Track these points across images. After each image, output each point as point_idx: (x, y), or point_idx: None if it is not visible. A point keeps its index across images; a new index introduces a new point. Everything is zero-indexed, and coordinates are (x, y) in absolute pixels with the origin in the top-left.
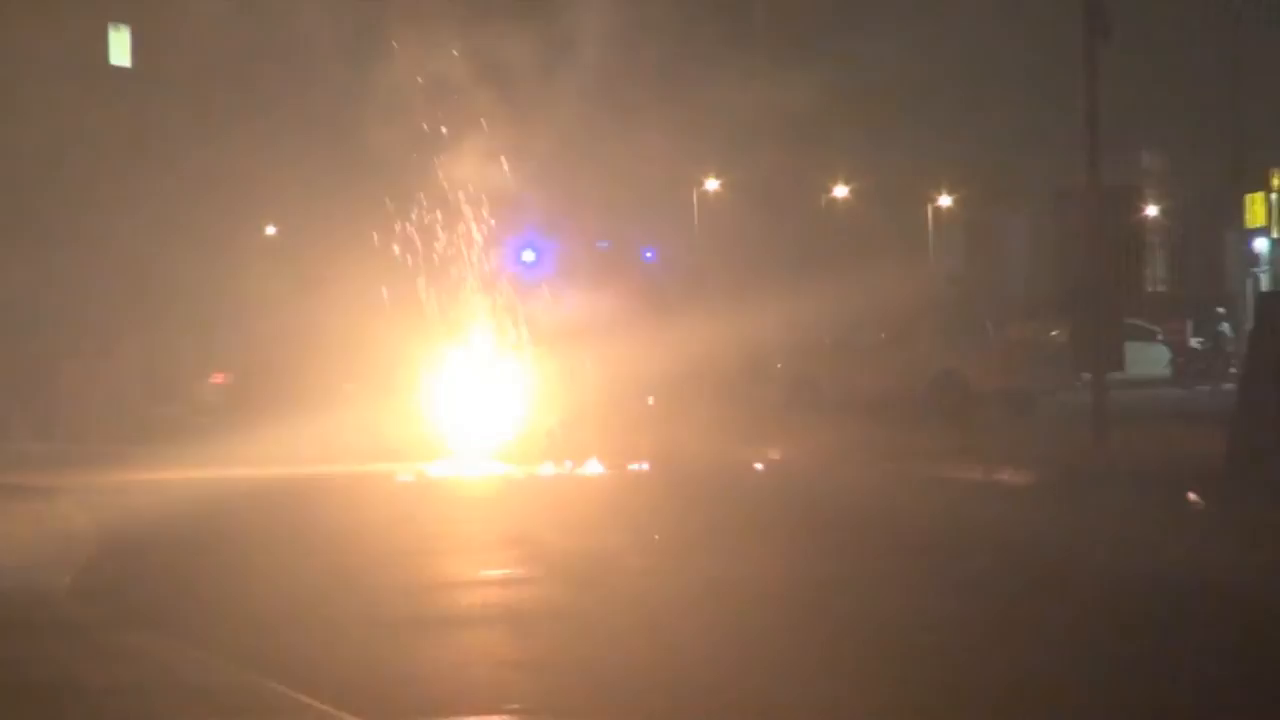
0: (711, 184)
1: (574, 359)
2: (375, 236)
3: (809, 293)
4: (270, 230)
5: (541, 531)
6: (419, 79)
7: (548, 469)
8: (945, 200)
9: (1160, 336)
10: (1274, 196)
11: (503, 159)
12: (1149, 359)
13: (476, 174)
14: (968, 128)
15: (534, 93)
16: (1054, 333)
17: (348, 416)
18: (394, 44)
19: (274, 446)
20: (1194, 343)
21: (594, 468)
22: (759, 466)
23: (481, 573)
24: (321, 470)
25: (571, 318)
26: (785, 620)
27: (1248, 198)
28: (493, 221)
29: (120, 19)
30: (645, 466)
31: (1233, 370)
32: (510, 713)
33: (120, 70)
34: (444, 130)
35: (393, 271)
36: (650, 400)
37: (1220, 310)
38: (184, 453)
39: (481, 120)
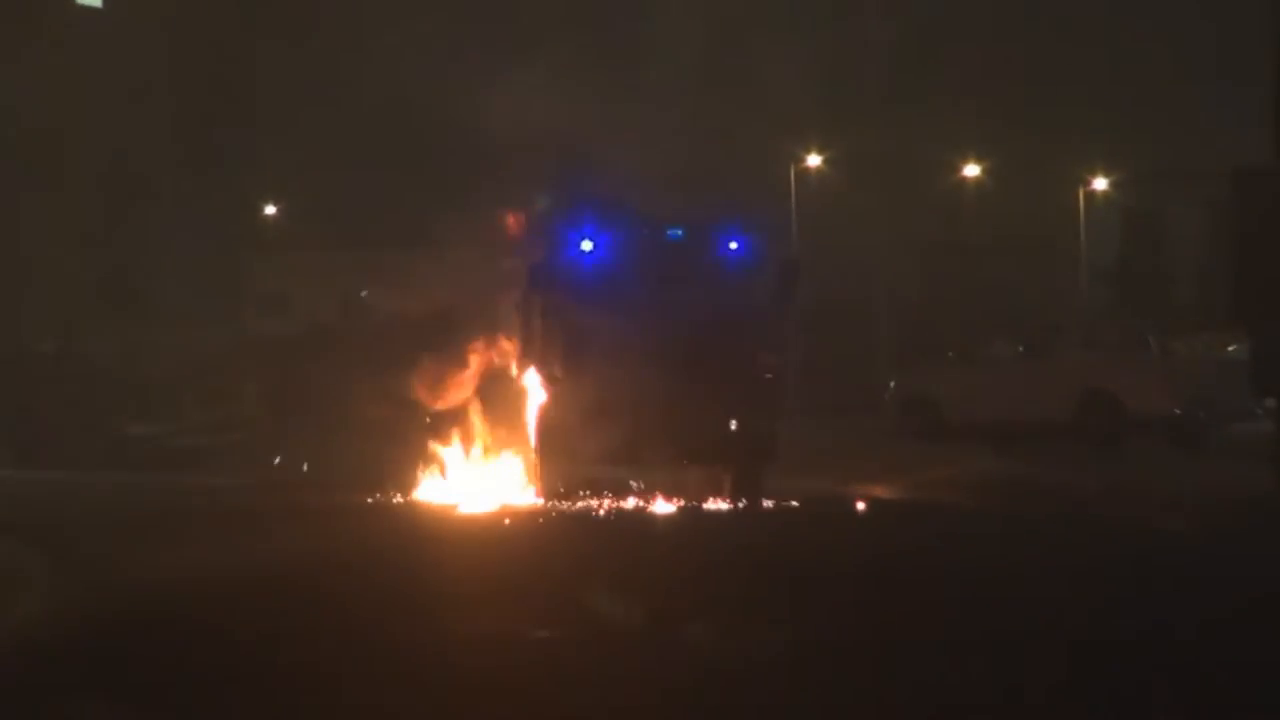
0: (813, 160)
1: (642, 371)
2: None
3: (927, 294)
4: (269, 210)
5: (591, 582)
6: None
7: (605, 506)
8: (1100, 183)
9: None
10: None
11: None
12: None
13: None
14: (1128, 96)
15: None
16: (1232, 347)
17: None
18: None
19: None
20: None
21: (662, 506)
22: (861, 505)
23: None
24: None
25: (633, 320)
26: None
27: None
28: (543, 201)
29: None
30: (723, 506)
31: None
32: None
33: (89, 11)
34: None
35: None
36: (733, 425)
37: None
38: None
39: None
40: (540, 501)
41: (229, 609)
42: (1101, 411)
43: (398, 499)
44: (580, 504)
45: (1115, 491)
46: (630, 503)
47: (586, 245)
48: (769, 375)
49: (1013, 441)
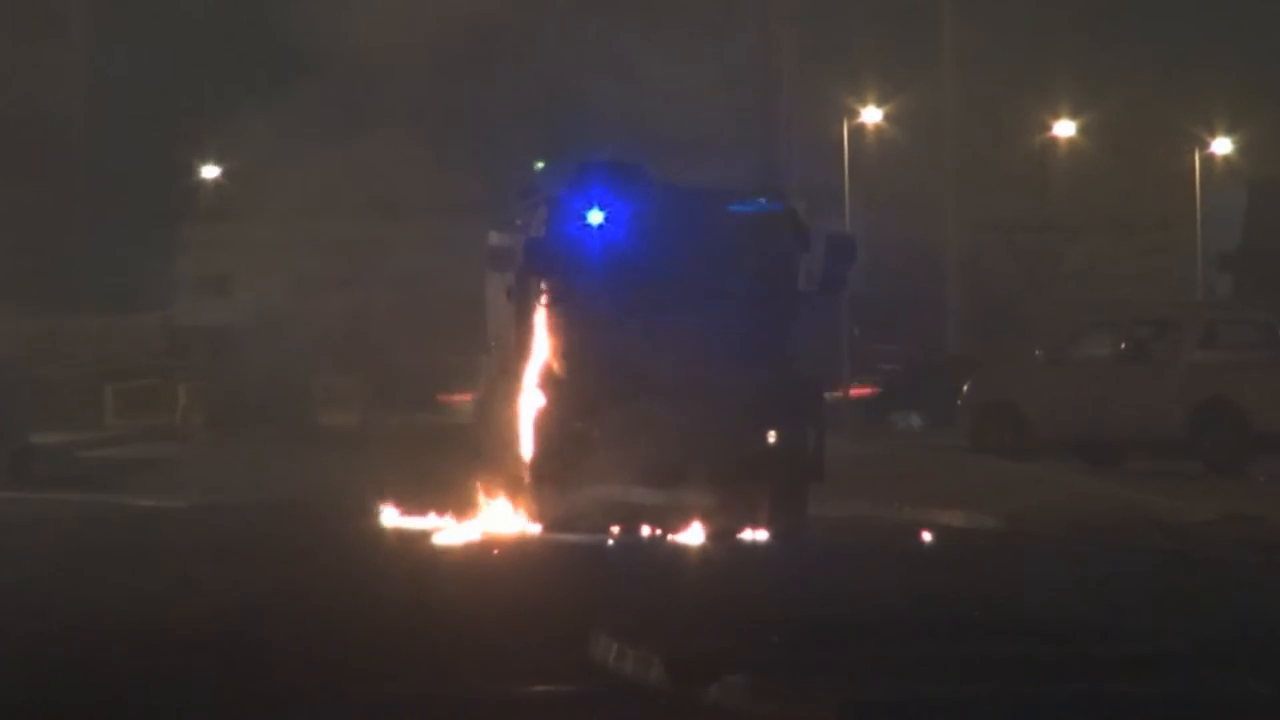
0: (871, 115)
1: (661, 372)
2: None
3: (1009, 282)
4: (206, 173)
5: (598, 628)
6: None
7: (614, 536)
8: (1221, 145)
9: None
10: None
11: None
12: None
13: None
14: (1251, 44)
15: None
16: None
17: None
18: None
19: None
20: None
21: (684, 536)
22: (930, 538)
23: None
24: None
25: (651, 310)
26: None
27: None
28: (543, 164)
29: None
30: (765, 535)
31: None
32: None
33: None
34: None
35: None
36: (771, 438)
37: None
38: None
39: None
40: (536, 529)
41: (148, 661)
42: (1220, 425)
43: (363, 526)
44: (584, 533)
45: (1235, 524)
46: (645, 532)
47: (595, 217)
48: (814, 377)
49: (1112, 460)
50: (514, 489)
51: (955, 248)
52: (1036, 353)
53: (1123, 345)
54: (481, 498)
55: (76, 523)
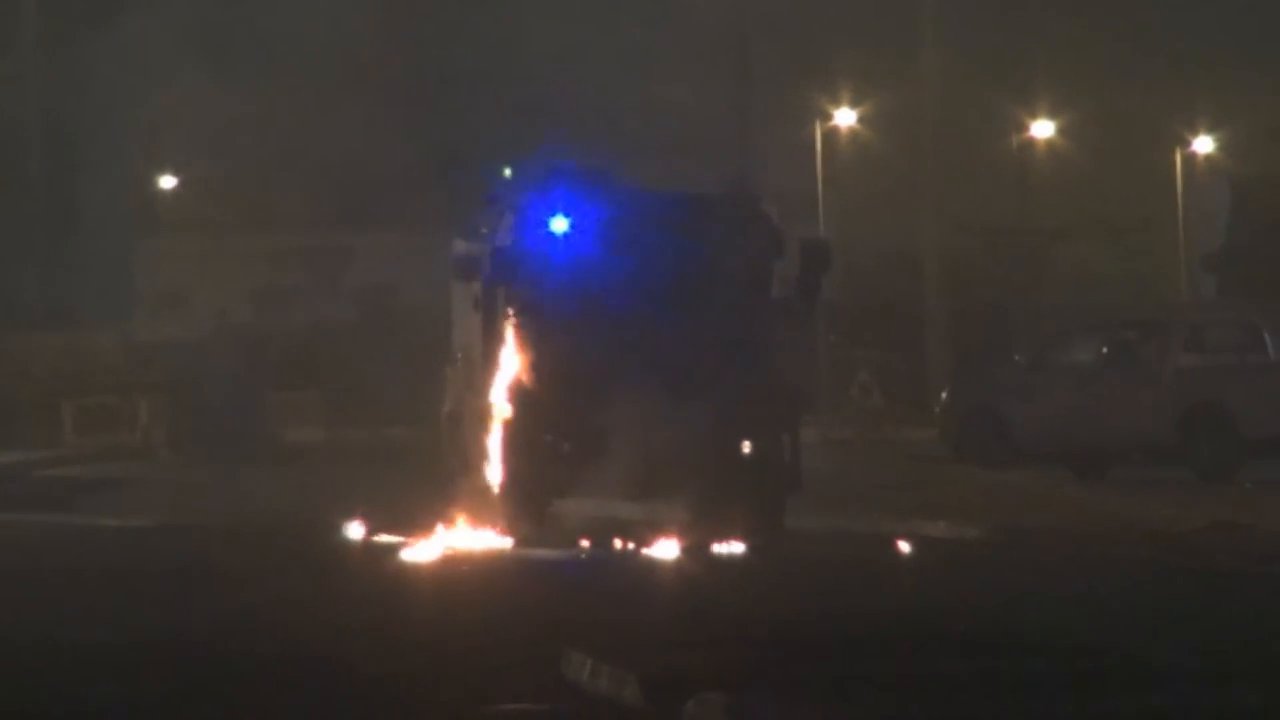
0: (845, 117)
1: (632, 382)
2: None
3: (989, 285)
4: (164, 184)
5: (570, 646)
6: None
7: (586, 551)
8: (1203, 144)
9: None
10: None
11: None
12: None
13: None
14: (1232, 39)
15: None
16: None
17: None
18: None
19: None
20: None
21: (658, 550)
22: (911, 549)
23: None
24: None
25: (620, 319)
26: None
27: None
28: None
29: None
30: (741, 549)
31: None
32: None
33: None
34: None
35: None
36: (747, 448)
37: None
38: None
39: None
40: (506, 545)
41: (106, 683)
42: (1209, 431)
43: (329, 545)
44: (556, 548)
45: (1226, 533)
46: (618, 546)
47: (561, 225)
48: (790, 386)
49: (1098, 468)
50: (483, 504)
51: (935, 251)
52: (1018, 358)
53: (1106, 350)
54: (450, 513)
55: (35, 543)
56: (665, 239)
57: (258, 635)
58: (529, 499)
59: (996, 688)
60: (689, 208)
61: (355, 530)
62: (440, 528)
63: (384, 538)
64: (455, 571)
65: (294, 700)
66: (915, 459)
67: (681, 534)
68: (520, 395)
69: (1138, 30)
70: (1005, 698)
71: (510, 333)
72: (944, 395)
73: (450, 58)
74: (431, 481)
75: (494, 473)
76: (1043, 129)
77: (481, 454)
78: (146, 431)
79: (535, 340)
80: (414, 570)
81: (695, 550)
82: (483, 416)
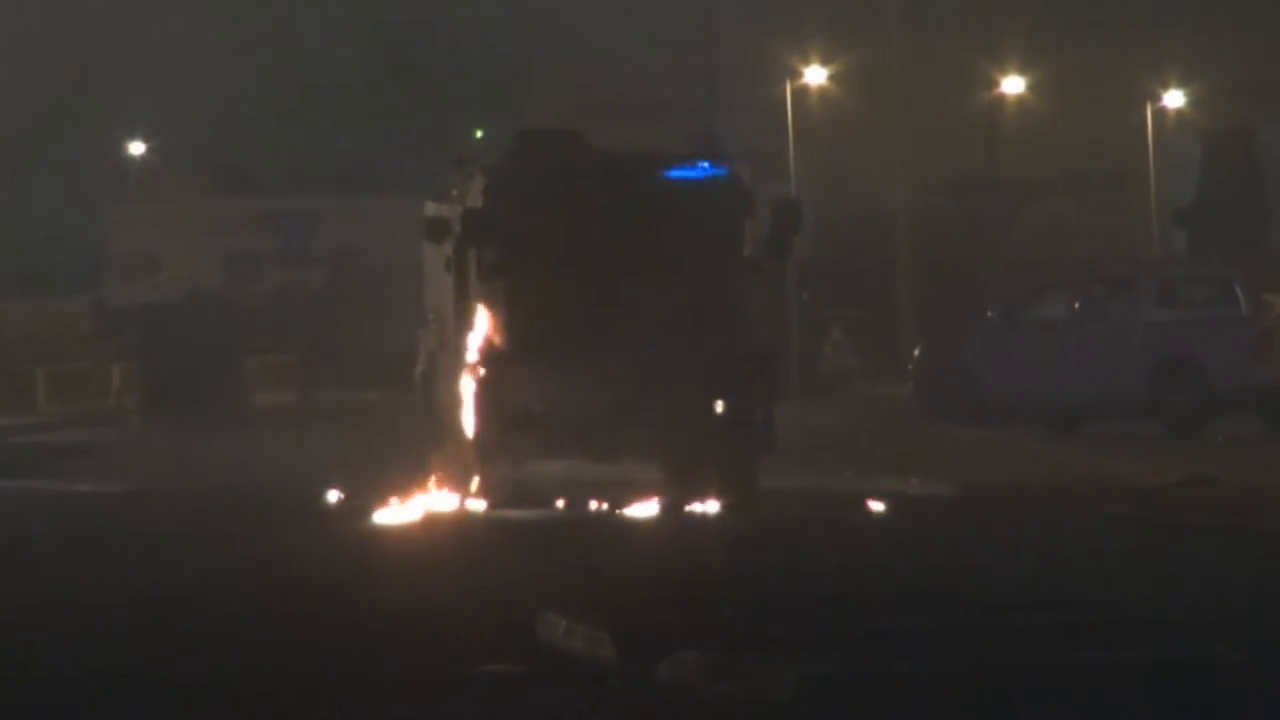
0: (815, 75)
1: (605, 344)
2: None
3: (961, 241)
4: (137, 149)
5: (545, 605)
6: None
7: (561, 511)
8: (1173, 98)
9: None
10: None
11: None
12: None
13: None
14: None
15: None
16: None
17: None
18: None
19: None
20: None
21: (633, 510)
22: (885, 507)
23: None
24: None
25: (593, 281)
26: None
27: None
28: (479, 131)
29: None
30: (716, 509)
31: None
32: None
33: None
34: None
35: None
36: (719, 408)
37: None
38: None
39: None
40: (480, 505)
41: (78, 648)
42: (1180, 383)
43: (302, 508)
44: (530, 508)
45: (1196, 487)
46: (593, 506)
47: (533, 186)
48: (763, 346)
49: (1070, 424)
50: (457, 465)
51: (906, 209)
52: (989, 314)
53: (1077, 305)
54: (424, 475)
55: (9, 508)
56: (636, 200)
57: (232, 598)
58: (502, 460)
59: (970, 643)
60: (659, 168)
61: (329, 493)
62: (414, 489)
63: (358, 500)
64: (429, 533)
65: (268, 662)
66: (889, 416)
67: (656, 494)
68: (492, 356)
69: None
70: (979, 653)
71: (482, 294)
72: (916, 353)
73: (420, 20)
74: (405, 443)
75: (467, 434)
76: (1013, 85)
77: (454, 415)
78: (119, 397)
79: (506, 302)
80: (388, 532)
81: (670, 510)
82: (455, 378)
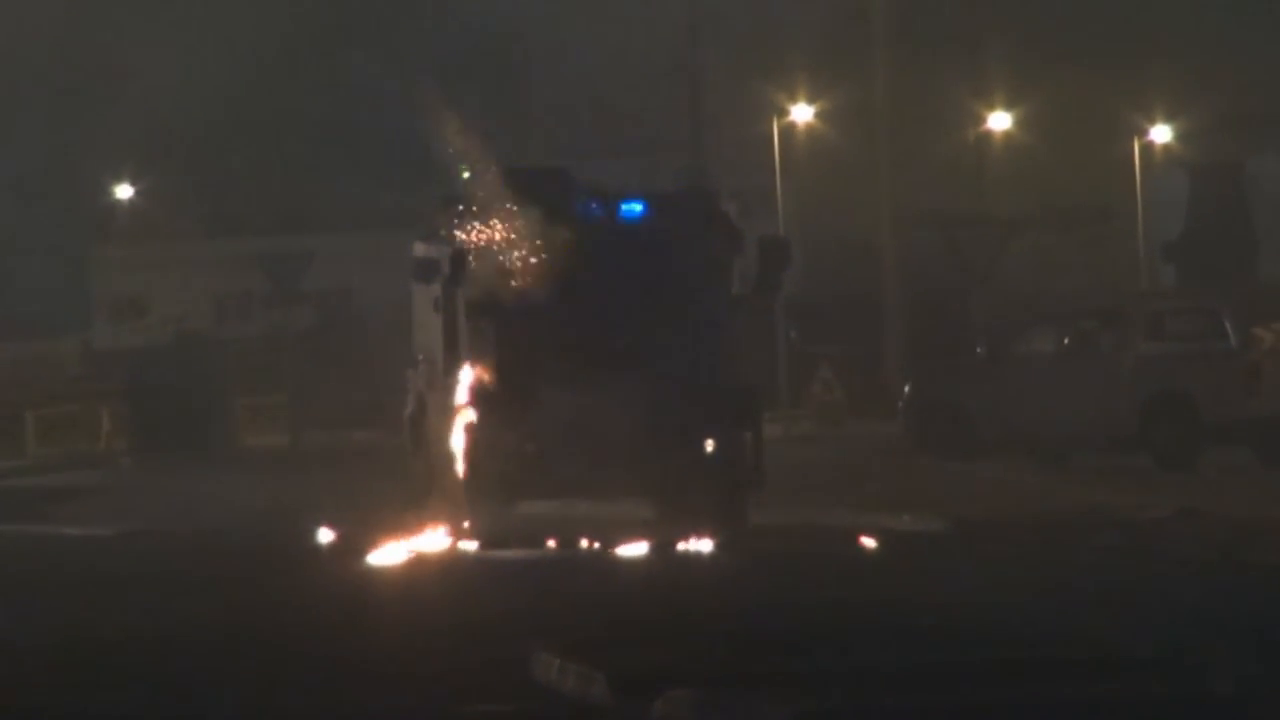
0: (802, 112)
1: (594, 382)
2: None
3: (949, 277)
4: (124, 192)
5: (538, 644)
6: None
7: (552, 551)
8: (1160, 133)
9: None
10: None
11: None
12: None
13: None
14: (1189, 31)
15: None
16: None
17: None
18: None
19: None
20: None
21: (624, 548)
22: (875, 543)
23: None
24: None
25: (581, 319)
26: None
27: None
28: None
29: None
30: (707, 546)
31: None
32: None
33: None
34: None
35: None
36: (709, 446)
37: None
38: None
39: None
40: (472, 545)
41: (71, 691)
42: (1171, 419)
43: (295, 549)
44: (521, 548)
45: (1188, 520)
46: (584, 545)
47: (522, 226)
48: (751, 382)
49: (1060, 458)
50: (448, 505)
51: (893, 245)
52: (979, 349)
53: (1067, 339)
54: (415, 515)
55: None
56: (624, 238)
57: (224, 640)
58: (493, 499)
59: (963, 679)
60: (647, 206)
61: (321, 534)
62: (406, 530)
63: (350, 541)
64: (421, 573)
65: (260, 704)
66: (878, 452)
67: (646, 532)
68: (482, 396)
69: (1093, 20)
70: (971, 688)
71: (470, 334)
72: (906, 388)
73: (407, 61)
74: (396, 484)
75: (458, 474)
76: (1000, 120)
77: (445, 455)
78: (109, 439)
79: (495, 341)
80: (380, 573)
81: (661, 548)
82: (445, 418)
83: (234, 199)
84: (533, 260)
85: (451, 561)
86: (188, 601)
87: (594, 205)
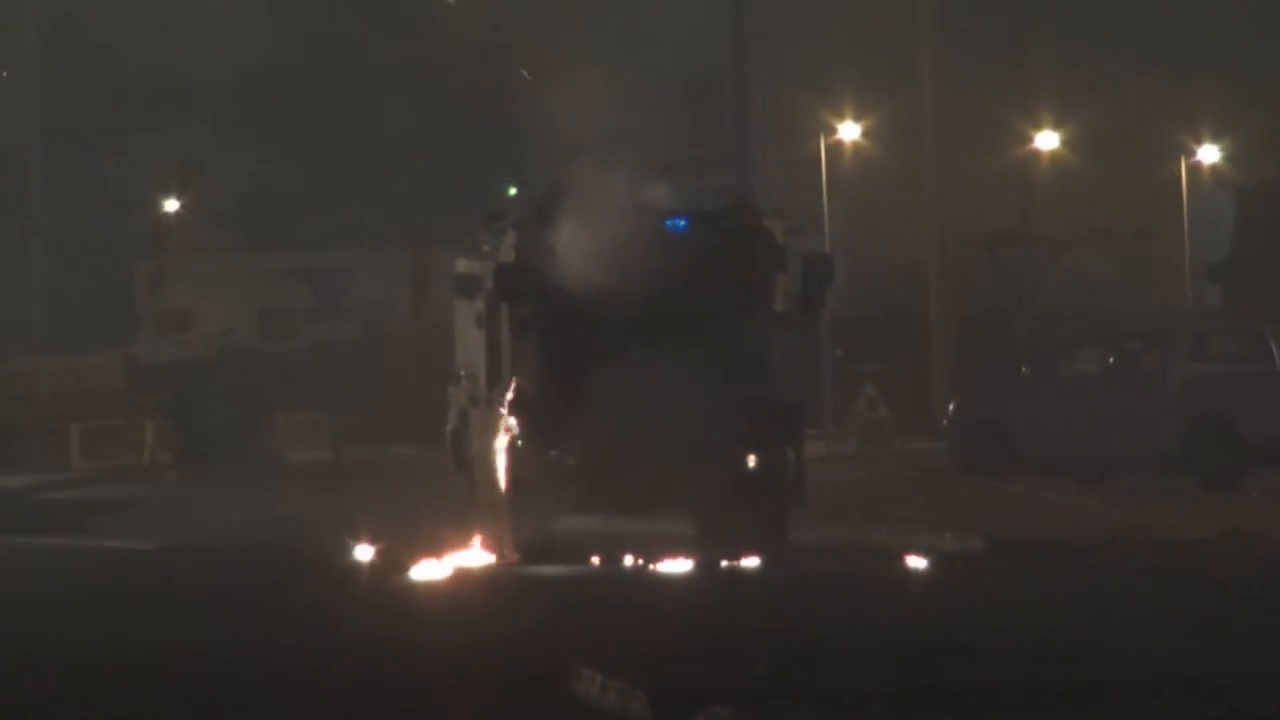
0: (849, 131)
1: (638, 398)
2: None
3: (995, 297)
4: (167, 207)
5: (578, 661)
6: None
7: (595, 568)
8: (1208, 154)
9: None
10: None
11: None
12: None
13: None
14: (1237, 50)
15: None
16: None
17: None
18: None
19: None
20: None
21: (666, 566)
22: (922, 563)
23: None
24: None
25: (626, 335)
26: None
27: None
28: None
29: None
30: (749, 564)
31: None
32: None
33: None
34: None
35: None
36: (752, 462)
37: None
38: None
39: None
40: (514, 562)
41: (115, 704)
42: (1214, 440)
43: (336, 564)
44: (563, 565)
45: (1233, 540)
46: (627, 562)
47: (566, 242)
48: (794, 399)
49: (1103, 478)
50: (489, 521)
51: (939, 263)
52: (1023, 369)
53: (1112, 360)
54: (457, 531)
55: (42, 565)
56: (668, 254)
57: (266, 654)
58: (534, 515)
59: (1005, 699)
60: (692, 223)
61: (363, 549)
62: (447, 545)
63: (392, 556)
64: (463, 589)
65: (300, 718)
66: (922, 471)
67: (688, 549)
68: (524, 411)
69: (1141, 40)
70: (1013, 709)
71: (513, 349)
72: (950, 407)
73: (452, 80)
74: (437, 499)
75: (499, 488)
76: (1047, 140)
77: (486, 470)
78: (153, 453)
79: (538, 357)
80: (422, 588)
81: (703, 565)
82: (488, 433)
83: (278, 214)
84: (575, 276)
85: (492, 577)
86: (227, 614)
87: (638, 221)
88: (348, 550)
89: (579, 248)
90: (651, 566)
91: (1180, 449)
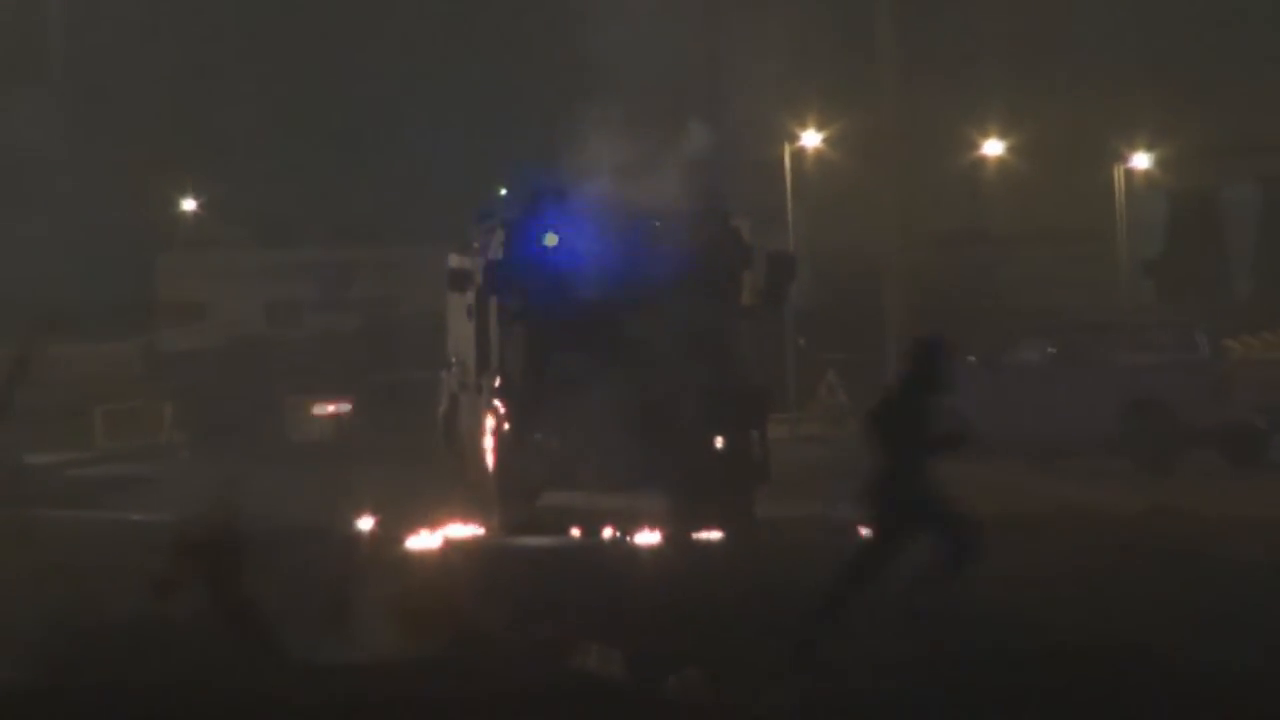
0: (811, 138)
1: (615, 384)
2: None
3: (944, 291)
4: (189, 204)
5: (559, 627)
6: None
7: (575, 540)
8: (1141, 160)
9: None
10: None
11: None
12: None
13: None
14: (1171, 62)
15: None
16: None
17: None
18: None
19: None
20: None
21: (642, 538)
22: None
23: None
24: None
25: (604, 326)
26: None
27: None
28: (500, 190)
29: None
30: (712, 537)
31: None
32: None
33: None
34: None
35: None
36: (720, 443)
37: None
38: None
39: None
40: (501, 535)
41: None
42: (1148, 423)
43: (333, 535)
44: (546, 537)
45: (1164, 515)
46: (605, 535)
47: (550, 240)
48: (758, 386)
49: (1045, 459)
50: (477, 497)
51: (894, 260)
52: (970, 359)
53: (1053, 350)
54: (447, 506)
55: (69, 536)
56: (644, 252)
57: (261, 619)
58: (519, 492)
59: (959, 663)
60: (666, 223)
61: (358, 522)
62: (440, 519)
63: (387, 529)
64: (452, 560)
65: (301, 684)
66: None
67: (662, 523)
68: (510, 396)
69: (1079, 53)
70: (967, 672)
71: (500, 339)
72: None
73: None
74: (430, 478)
75: (487, 467)
76: (994, 146)
77: (475, 450)
78: (170, 433)
79: (523, 346)
80: (416, 557)
81: (675, 538)
82: (476, 416)
83: (288, 211)
84: (558, 272)
85: (480, 548)
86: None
87: (616, 221)
88: (343, 523)
89: (562, 245)
90: (628, 539)
91: (1119, 432)
